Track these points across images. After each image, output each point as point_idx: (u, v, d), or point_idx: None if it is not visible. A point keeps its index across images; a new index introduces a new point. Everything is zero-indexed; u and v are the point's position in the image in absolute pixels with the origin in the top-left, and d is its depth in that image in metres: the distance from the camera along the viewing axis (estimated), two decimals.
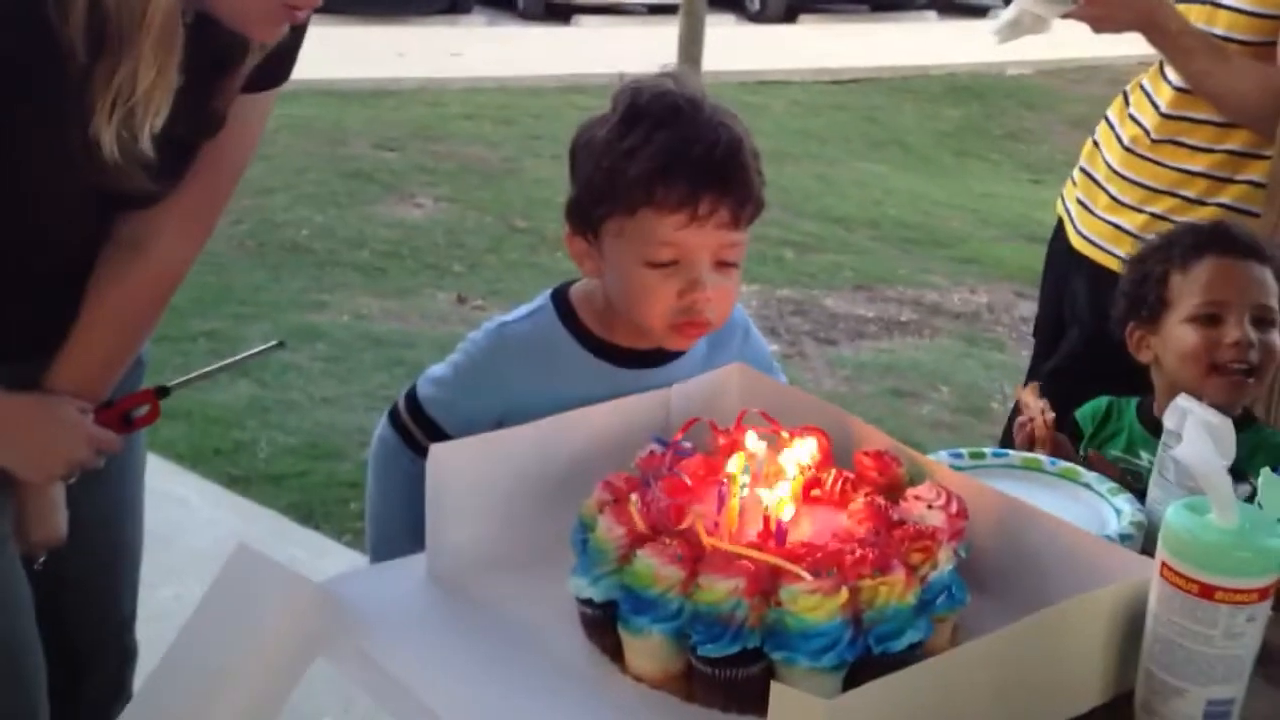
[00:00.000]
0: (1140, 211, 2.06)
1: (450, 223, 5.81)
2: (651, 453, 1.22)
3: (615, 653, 1.11)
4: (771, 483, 1.17)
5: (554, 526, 1.20)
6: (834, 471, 1.21)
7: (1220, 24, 1.96)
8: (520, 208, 6.01)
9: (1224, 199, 2.00)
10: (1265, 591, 1.00)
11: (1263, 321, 1.61)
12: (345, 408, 3.83)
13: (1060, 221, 2.27)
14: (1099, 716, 1.07)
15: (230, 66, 1.35)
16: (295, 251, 5.26)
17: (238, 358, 1.71)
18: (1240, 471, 1.06)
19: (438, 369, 1.49)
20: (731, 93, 7.77)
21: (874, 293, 5.37)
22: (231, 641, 1.15)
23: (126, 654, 1.71)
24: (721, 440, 1.25)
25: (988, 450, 1.50)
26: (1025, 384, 1.77)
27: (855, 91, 9.70)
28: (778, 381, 1.50)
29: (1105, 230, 2.12)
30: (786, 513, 1.12)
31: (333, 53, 6.81)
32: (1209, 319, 1.61)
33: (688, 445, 1.23)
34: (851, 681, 1.01)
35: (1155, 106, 2.06)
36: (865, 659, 1.02)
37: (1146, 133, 2.07)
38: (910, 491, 1.18)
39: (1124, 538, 1.31)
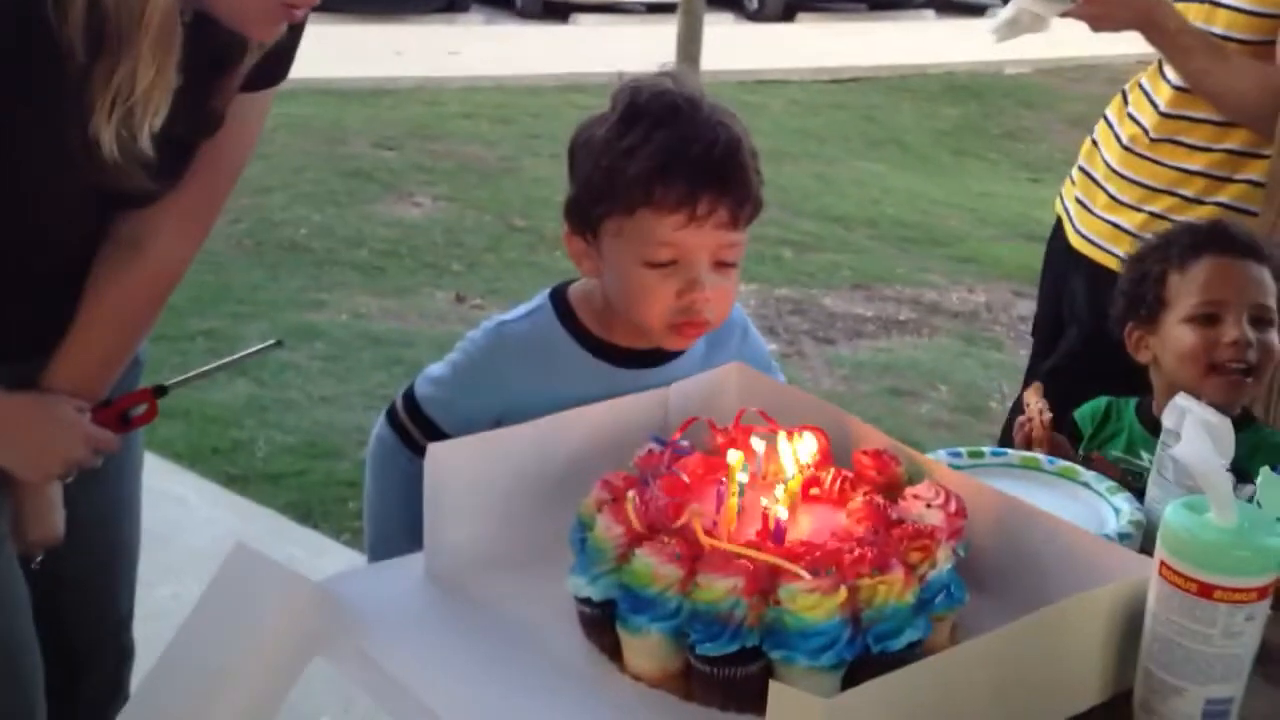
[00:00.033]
0: (1139, 210, 2.06)
1: (449, 222, 5.81)
2: (650, 452, 1.22)
3: (614, 652, 1.11)
4: (770, 482, 1.17)
5: (552, 525, 1.20)
6: (833, 470, 1.21)
7: (1219, 23, 1.96)
8: (519, 207, 6.01)
9: (1223, 198, 2.00)
10: (1264, 590, 1.00)
11: (1261, 321, 1.61)
12: (344, 407, 3.82)
13: (1059, 220, 2.27)
14: (1098, 715, 1.07)
15: (229, 66, 1.35)
16: (293, 250, 5.26)
17: (236, 357, 1.71)
18: (1242, 471, 1.06)
19: (436, 368, 1.48)
20: (730, 92, 7.77)
21: (872, 292, 5.37)
22: (230, 641, 1.15)
23: (124, 653, 1.71)
24: (720, 439, 1.25)
25: (986, 449, 1.50)
26: (1024, 383, 1.77)
27: (853, 90, 9.70)
28: (776, 381, 1.50)
29: (1104, 229, 2.12)
30: (784, 512, 1.12)
31: (331, 51, 6.81)
32: (1207, 319, 1.61)
33: (686, 444, 1.23)
34: (850, 680, 1.01)
35: (1154, 105, 2.06)
36: (864, 658, 1.02)
37: (1145, 132, 2.07)
38: (909, 490, 1.18)
39: (1123, 537, 1.31)
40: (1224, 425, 1.14)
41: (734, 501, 1.13)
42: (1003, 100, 9.74)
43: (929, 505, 1.15)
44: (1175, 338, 1.63)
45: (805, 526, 1.14)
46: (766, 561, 1.04)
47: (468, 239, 5.60)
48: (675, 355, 1.46)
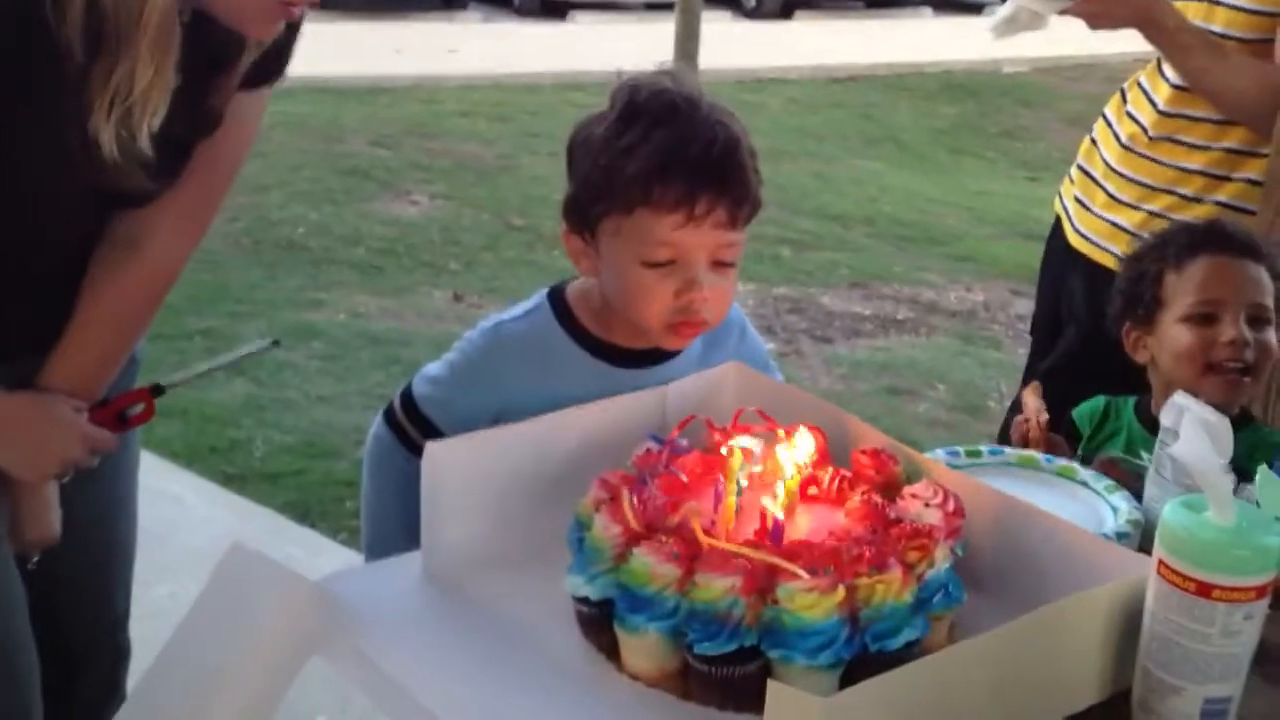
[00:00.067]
0: (1138, 209, 2.06)
1: (446, 220, 5.81)
2: (648, 451, 1.22)
3: (611, 651, 1.11)
4: (768, 481, 1.17)
5: (550, 524, 1.20)
6: (831, 470, 1.21)
7: (1218, 21, 1.96)
8: (517, 205, 6.00)
9: (1221, 196, 2.00)
10: (1263, 589, 0.99)
11: (1258, 320, 1.61)
12: (341, 406, 3.82)
13: (1058, 219, 2.27)
14: (1096, 715, 1.07)
15: (227, 64, 1.35)
16: (291, 249, 5.25)
17: (233, 356, 1.71)
18: (1243, 471, 1.05)
19: (433, 367, 1.48)
20: (728, 90, 7.77)
21: (870, 291, 5.37)
22: (227, 640, 1.14)
23: (120, 653, 1.71)
24: (718, 437, 1.25)
25: (984, 448, 1.50)
26: (1023, 382, 1.77)
27: (851, 89, 9.70)
28: (774, 380, 1.50)
29: (1103, 228, 2.12)
30: (782, 511, 1.12)
31: (328, 49, 6.80)
32: (1204, 318, 1.60)
33: (684, 443, 1.23)
34: (848, 680, 1.00)
35: (1153, 104, 2.06)
36: (862, 657, 1.02)
37: (1144, 130, 2.07)
38: (907, 490, 1.18)
39: (1121, 536, 1.31)
40: (1222, 424, 1.13)
41: (732, 500, 1.13)
42: (1000, 99, 9.74)
43: (927, 504, 1.15)
44: (1172, 337, 1.62)
45: (803, 526, 1.14)
46: (764, 561, 1.04)
47: (465, 238, 5.59)
48: (673, 355, 1.46)
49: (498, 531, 1.24)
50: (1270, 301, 1.62)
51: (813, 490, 1.19)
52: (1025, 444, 1.58)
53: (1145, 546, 1.17)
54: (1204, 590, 0.99)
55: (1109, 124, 2.17)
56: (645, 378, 1.42)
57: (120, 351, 1.46)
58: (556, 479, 1.25)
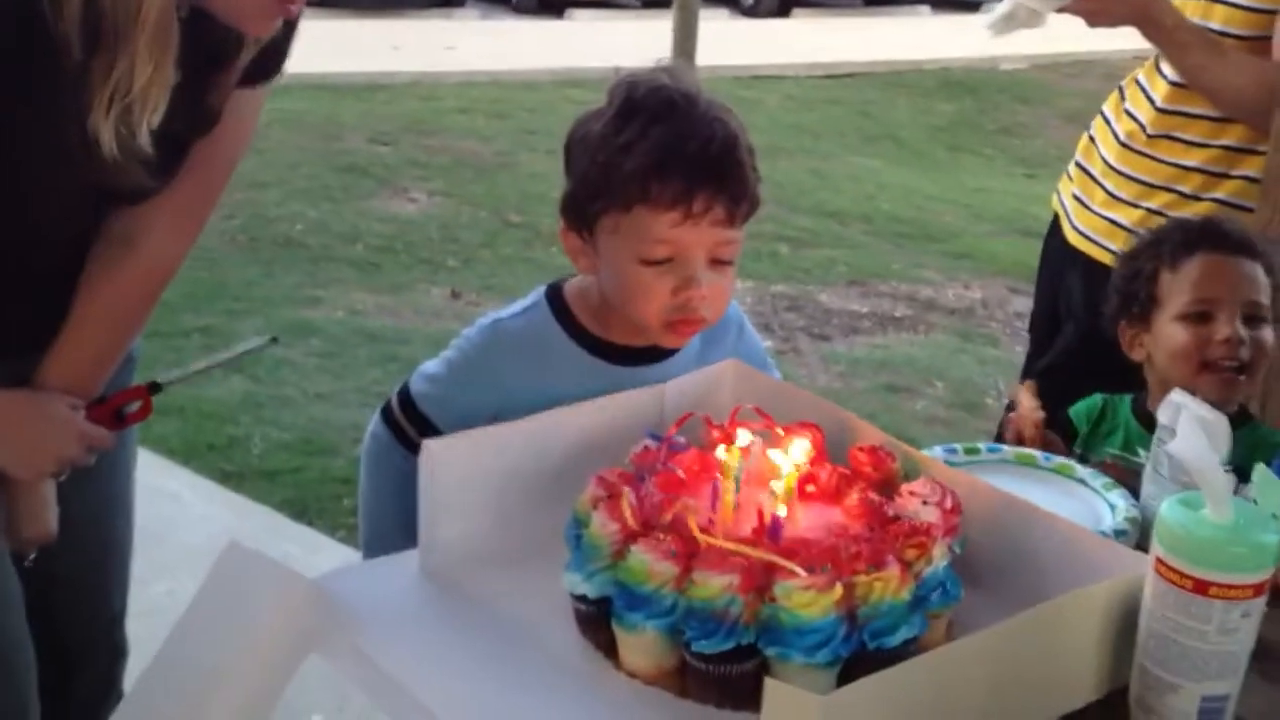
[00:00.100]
0: (1136, 207, 2.06)
1: (444, 217, 5.80)
2: (646, 448, 1.22)
3: (609, 649, 1.11)
4: (766, 479, 1.17)
5: (548, 522, 1.20)
6: (829, 467, 1.21)
7: (1216, 18, 1.96)
8: (514, 202, 6.00)
9: (1220, 194, 2.00)
10: (1260, 587, 0.99)
11: (1253, 318, 1.60)
12: (339, 404, 3.82)
13: (1056, 217, 2.27)
14: (1094, 712, 1.07)
15: (225, 62, 1.35)
16: (288, 246, 5.25)
17: (230, 354, 1.71)
18: (1243, 470, 1.05)
19: (431, 365, 1.48)
20: (726, 87, 7.77)
21: (868, 288, 5.37)
22: (224, 638, 1.14)
23: (117, 651, 1.71)
24: (716, 434, 1.25)
25: (982, 446, 1.50)
26: (1021, 380, 1.77)
27: (849, 86, 9.69)
28: (772, 378, 1.50)
29: (1101, 225, 2.11)
30: (780, 509, 1.12)
31: (326, 46, 6.80)
32: (1199, 316, 1.60)
33: (682, 440, 1.23)
34: (846, 677, 1.00)
35: (1151, 101, 2.06)
36: (860, 655, 1.02)
37: (1142, 128, 2.06)
38: (905, 487, 1.18)
39: (1118, 533, 1.31)
40: (1219, 421, 1.14)
41: (729, 498, 1.13)
42: (998, 96, 9.73)
43: (925, 502, 1.15)
44: (1168, 335, 1.63)
45: (801, 523, 1.13)
46: (762, 558, 1.04)
47: (463, 235, 5.59)
48: (671, 352, 1.46)
49: (495, 529, 1.24)
50: (1266, 299, 1.62)
51: (810, 488, 1.19)
52: (1019, 441, 1.58)
53: (1143, 544, 1.17)
54: (1201, 588, 0.99)
55: (1107, 121, 2.17)
56: (643, 375, 1.42)
57: (117, 349, 1.46)
58: (554, 476, 1.25)
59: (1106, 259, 2.05)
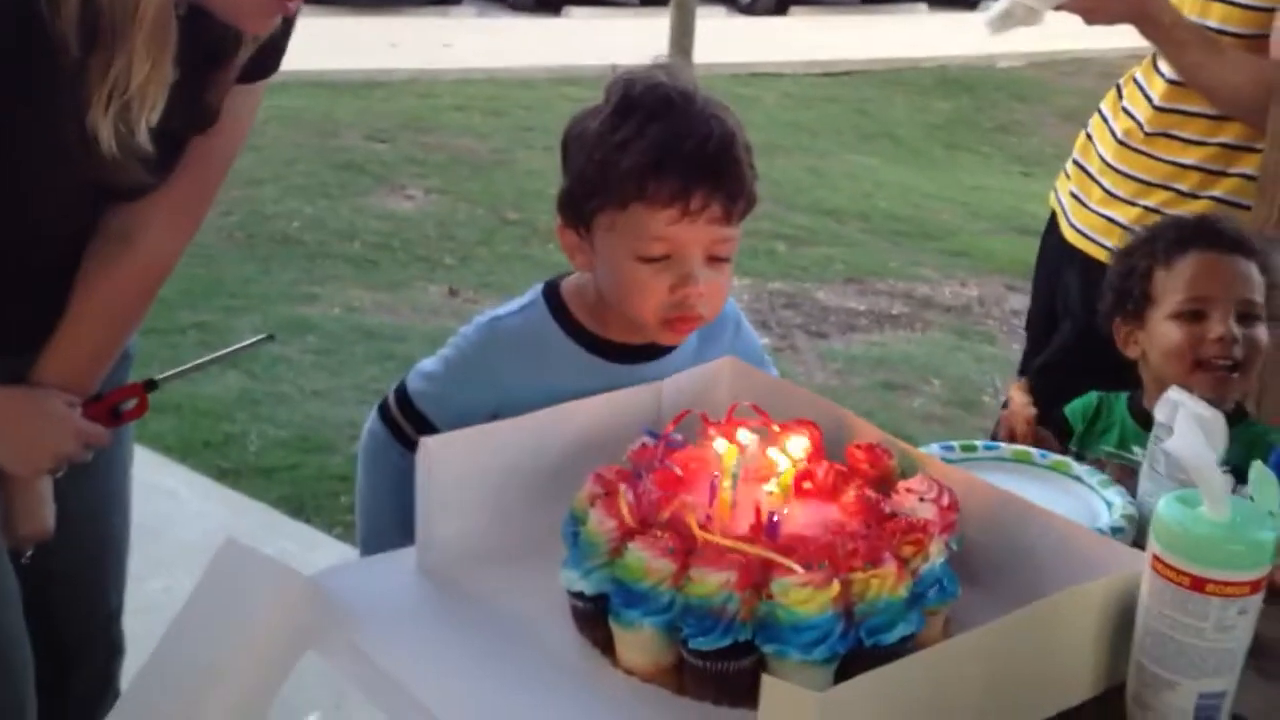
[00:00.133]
0: (1133, 205, 2.06)
1: (441, 215, 5.80)
2: (643, 445, 1.22)
3: (606, 646, 1.11)
4: (763, 476, 1.17)
5: (545, 519, 1.20)
6: (826, 464, 1.21)
7: (1213, 16, 1.96)
8: (511, 200, 6.00)
9: (1217, 192, 2.00)
10: (1256, 584, 1.00)
11: (1247, 316, 1.60)
12: (336, 401, 3.82)
13: (1053, 214, 2.27)
14: (1090, 709, 1.07)
15: (223, 59, 1.35)
16: (285, 243, 5.24)
17: (227, 351, 1.70)
18: (1241, 470, 1.05)
19: (428, 363, 1.48)
20: (723, 85, 7.76)
21: (865, 286, 5.37)
22: (221, 636, 1.14)
23: (114, 648, 1.71)
24: (713, 432, 1.25)
25: (979, 443, 1.50)
26: (1020, 378, 1.78)
27: (846, 84, 9.69)
28: (769, 375, 1.50)
29: (1098, 223, 2.12)
30: (777, 506, 1.12)
31: (323, 43, 6.80)
32: (1193, 315, 1.60)
33: (679, 437, 1.23)
34: (843, 674, 1.00)
35: (1148, 99, 2.06)
36: (856, 652, 1.02)
37: (1140, 126, 2.07)
38: (902, 484, 1.18)
39: (1115, 530, 1.31)
40: (1216, 419, 1.14)
41: (727, 495, 1.13)
42: (995, 94, 9.73)
43: (922, 499, 1.15)
44: (1161, 334, 1.63)
45: (798, 520, 1.13)
46: (759, 555, 1.04)
47: (460, 232, 5.58)
48: (668, 350, 1.46)
49: (493, 526, 1.24)
50: (1260, 297, 1.62)
51: (807, 485, 1.19)
52: (1010, 438, 1.58)
53: (1139, 541, 1.17)
54: (1198, 585, 0.99)
55: (1104, 119, 2.17)
56: (640, 373, 1.41)
57: (113, 346, 1.46)
58: (552, 474, 1.25)
59: (1104, 256, 2.05)
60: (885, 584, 1.03)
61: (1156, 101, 2.04)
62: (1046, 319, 2.26)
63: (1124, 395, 1.71)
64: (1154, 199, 2.04)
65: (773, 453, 1.20)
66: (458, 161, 6.62)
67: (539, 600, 1.17)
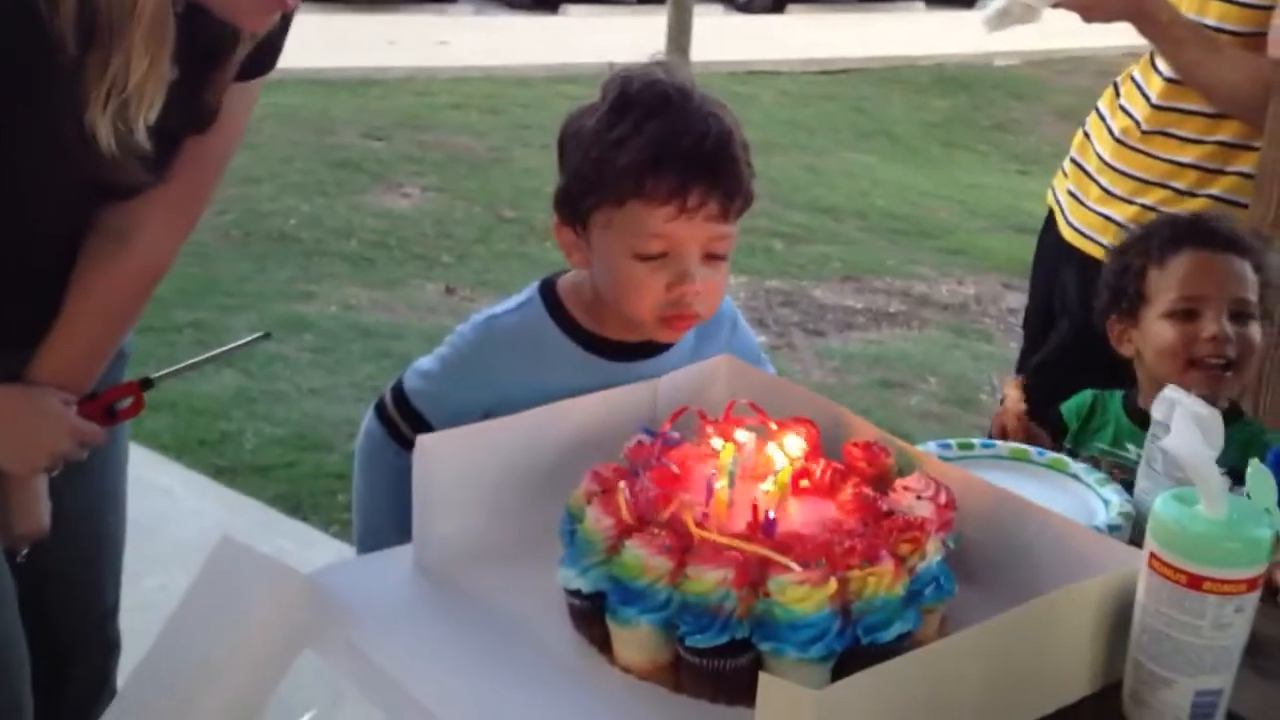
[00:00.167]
0: (1131, 203, 2.06)
1: (438, 213, 5.79)
2: (640, 443, 1.22)
3: (603, 644, 1.10)
4: (760, 474, 1.17)
5: (542, 517, 1.20)
6: (823, 462, 1.20)
7: (1211, 14, 1.96)
8: (508, 198, 5.99)
9: (1215, 190, 2.00)
10: (1253, 582, 1.00)
11: (1241, 315, 1.60)
12: (333, 399, 3.81)
13: (1051, 213, 2.27)
14: (1087, 707, 1.07)
15: (222, 57, 1.34)
16: (282, 241, 5.24)
17: (223, 349, 1.70)
18: (1236, 471, 1.05)
19: (425, 362, 1.48)
20: (720, 83, 7.74)
21: (862, 284, 5.38)
22: (217, 634, 1.14)
23: (109, 646, 1.70)
24: (709, 429, 1.24)
25: (976, 441, 1.50)
26: (1017, 376, 1.78)
27: (843, 82, 9.69)
28: (766, 373, 1.49)
29: (1096, 222, 2.12)
30: (775, 504, 1.12)
31: (320, 41, 6.79)
32: (1186, 314, 1.60)
33: (676, 435, 1.23)
34: (840, 672, 1.00)
35: (1146, 98, 2.06)
36: (853, 650, 1.02)
37: (1137, 124, 2.07)
38: (899, 482, 1.18)
39: (1112, 528, 1.31)
40: (1213, 417, 1.13)
41: (724, 493, 1.13)
42: (992, 92, 9.74)
43: (919, 497, 1.15)
44: (1155, 333, 1.63)
45: (795, 518, 1.13)
46: (756, 553, 1.04)
47: (457, 230, 5.58)
48: (665, 348, 1.46)
49: (490, 524, 1.24)
50: (1253, 296, 1.62)
51: (804, 483, 1.19)
52: (1002, 435, 1.59)
53: (1136, 539, 1.17)
54: (1195, 583, 0.99)
55: (1102, 117, 2.17)
56: (637, 371, 1.41)
57: (109, 344, 1.45)
58: (548, 472, 1.25)
59: (1101, 255, 2.04)
60: (882, 582, 1.03)
61: (1154, 100, 2.04)
62: (1044, 317, 2.26)
63: (1119, 393, 1.71)
64: (1151, 197, 2.04)
65: (770, 450, 1.20)
66: (455, 159, 6.61)
67: (536, 598, 1.17)
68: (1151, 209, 2.01)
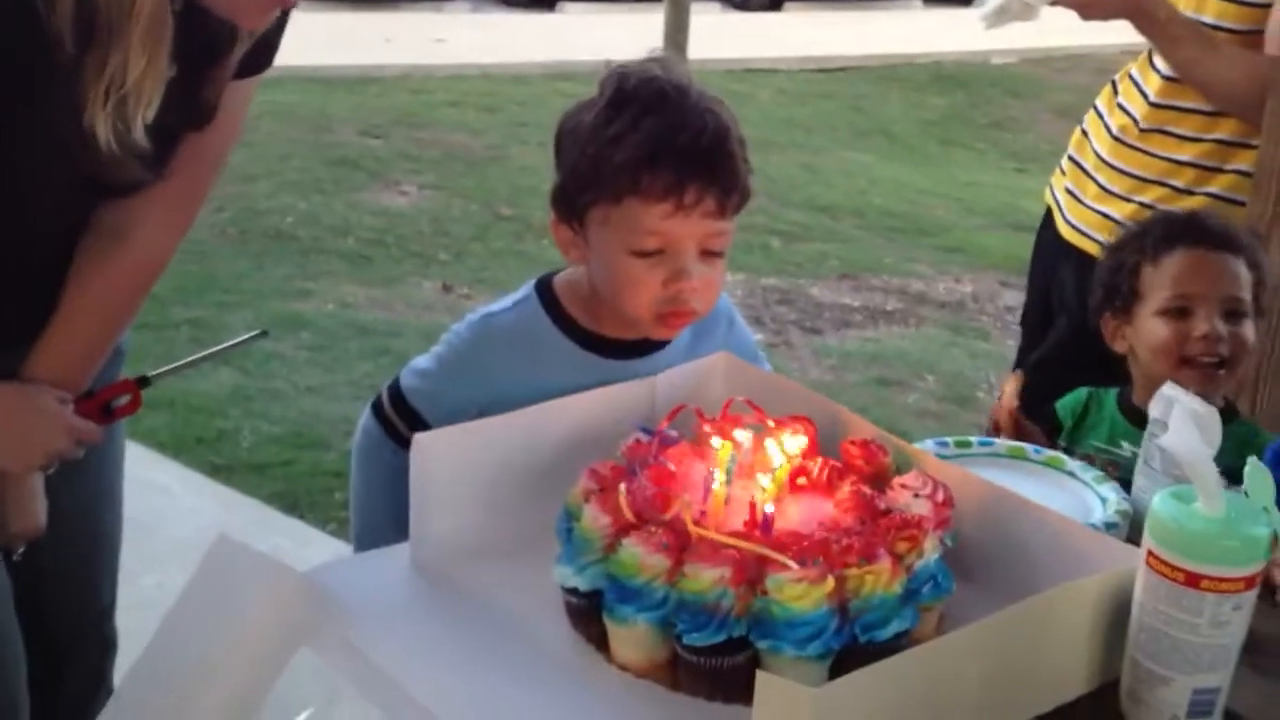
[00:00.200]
0: (1129, 201, 2.06)
1: (435, 211, 5.79)
2: (637, 441, 1.21)
3: (601, 642, 1.10)
4: (758, 472, 1.17)
5: (539, 515, 1.20)
6: (820, 460, 1.20)
7: (1209, 12, 1.96)
8: (505, 195, 5.99)
9: (1213, 188, 2.00)
10: (1251, 580, 1.00)
11: (1234, 313, 1.60)
12: (330, 397, 3.81)
13: (1049, 211, 2.27)
14: (1085, 705, 1.07)
15: (220, 55, 1.34)
16: (279, 239, 5.23)
17: (220, 347, 1.70)
18: (1231, 471, 1.05)
19: (421, 360, 1.48)
20: (717, 81, 7.73)
21: (859, 282, 5.38)
22: (214, 632, 1.14)
23: (106, 644, 1.70)
24: (707, 428, 1.24)
25: (973, 439, 1.50)
26: (1013, 373, 1.78)
27: (841, 80, 9.69)
28: (763, 370, 1.49)
29: (1094, 219, 2.12)
30: (771, 502, 1.11)
31: (317, 39, 6.78)
32: (1178, 312, 1.60)
33: (673, 433, 1.23)
34: (837, 670, 1.00)
35: (1144, 95, 2.06)
36: (851, 648, 1.02)
37: (1135, 122, 2.07)
38: (897, 480, 1.18)
39: (1109, 526, 1.31)
40: (1211, 415, 1.13)
41: (721, 491, 1.13)
42: (990, 90, 9.75)
43: (916, 495, 1.15)
44: (1148, 330, 1.63)
45: (793, 516, 1.13)
46: (754, 551, 1.04)
47: (454, 228, 5.58)
48: (661, 345, 1.46)
49: (487, 522, 1.24)
50: (1247, 294, 1.62)
51: (802, 481, 1.19)
52: (995, 431, 1.59)
53: (1134, 537, 1.17)
54: (1193, 581, 0.99)
55: (1100, 116, 2.17)
56: (633, 368, 1.41)
57: (106, 342, 1.45)
58: (545, 470, 1.25)
59: (1099, 253, 2.05)
60: (880, 580, 1.03)
61: (1152, 97, 2.04)
62: (1042, 315, 2.26)
63: (1113, 391, 1.71)
64: (1149, 195, 2.04)
65: (768, 448, 1.20)
66: (452, 157, 6.61)
67: (533, 596, 1.17)
68: (1149, 207, 2.01)
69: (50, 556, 1.50)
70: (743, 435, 1.21)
